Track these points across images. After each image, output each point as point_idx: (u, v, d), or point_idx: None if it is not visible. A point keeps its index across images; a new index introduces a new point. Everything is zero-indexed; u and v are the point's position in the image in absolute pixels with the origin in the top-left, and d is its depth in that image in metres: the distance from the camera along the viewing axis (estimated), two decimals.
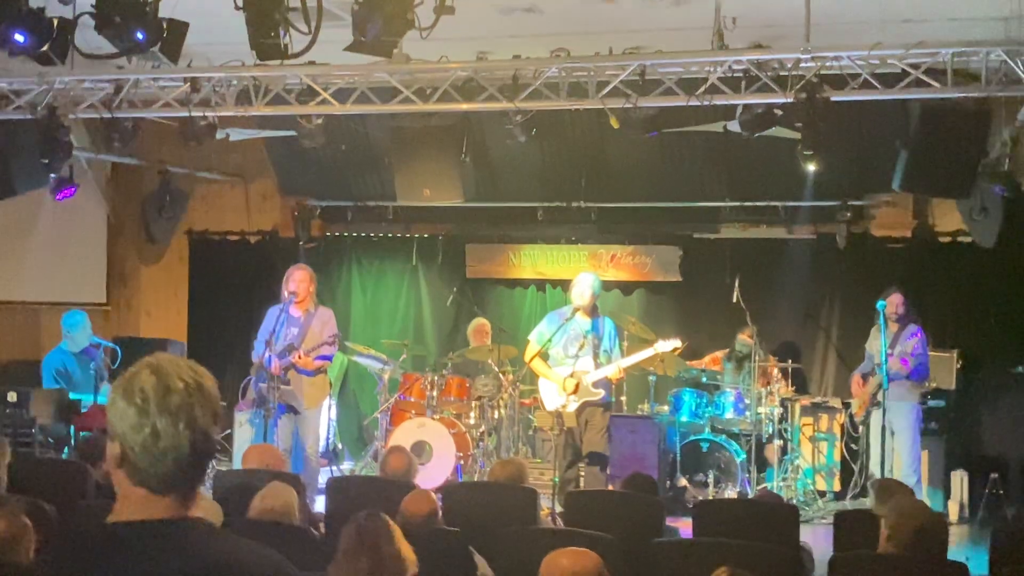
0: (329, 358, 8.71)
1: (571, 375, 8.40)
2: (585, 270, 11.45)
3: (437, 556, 4.82)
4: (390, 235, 12.20)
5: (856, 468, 9.61)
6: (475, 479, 9.29)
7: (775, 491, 9.51)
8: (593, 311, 8.60)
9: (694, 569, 4.77)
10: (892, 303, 8.80)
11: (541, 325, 8.80)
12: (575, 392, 8.39)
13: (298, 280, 8.45)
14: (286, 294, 8.44)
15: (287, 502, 5.22)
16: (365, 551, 4.03)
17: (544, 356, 8.59)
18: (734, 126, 8.21)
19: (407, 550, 4.23)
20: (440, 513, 5.58)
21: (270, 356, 8.25)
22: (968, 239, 9.89)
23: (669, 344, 8.77)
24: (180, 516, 2.03)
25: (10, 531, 4.03)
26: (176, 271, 12.67)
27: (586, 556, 3.93)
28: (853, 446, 9.74)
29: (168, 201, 11.58)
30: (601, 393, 8.46)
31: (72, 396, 9.00)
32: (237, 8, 5.77)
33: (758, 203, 10.85)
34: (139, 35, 5.73)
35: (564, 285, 11.65)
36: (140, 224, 12.05)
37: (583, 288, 8.54)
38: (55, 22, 6.10)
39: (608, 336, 8.59)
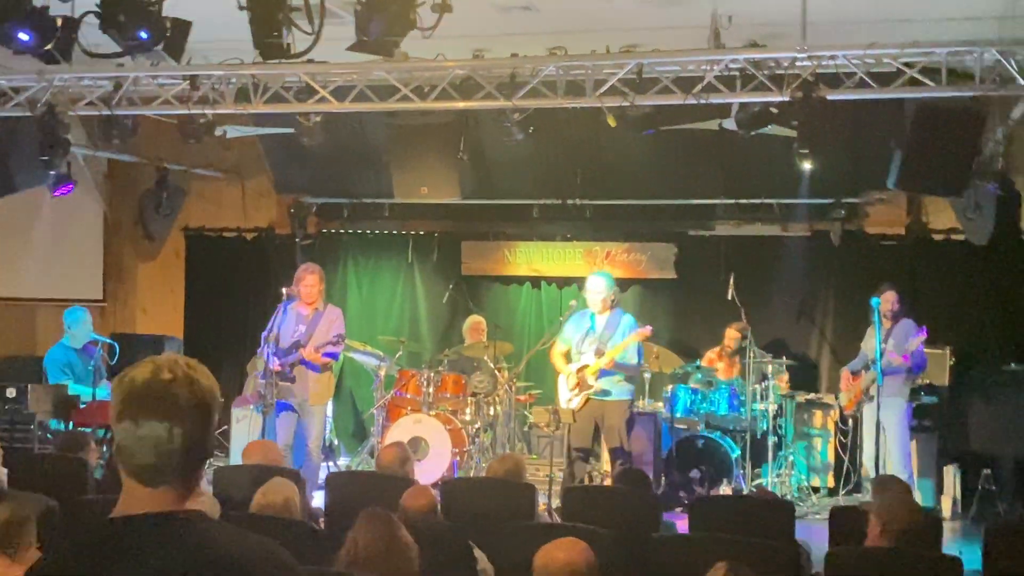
0: (335, 356, 8.85)
1: (576, 370, 8.59)
2: (580, 267, 11.58)
3: (438, 550, 4.86)
4: (386, 232, 12.23)
5: (847, 463, 9.68)
6: (471, 475, 9.33)
7: (769, 487, 9.60)
8: (613, 307, 8.77)
9: (692, 564, 4.81)
10: (886, 300, 8.88)
11: (566, 325, 8.97)
12: (577, 386, 8.56)
13: (309, 285, 8.63)
14: (297, 291, 8.60)
15: (288, 497, 5.27)
16: (381, 540, 4.11)
17: (567, 356, 8.80)
18: (730, 124, 8.27)
19: (412, 541, 4.31)
20: (439, 508, 5.63)
21: (269, 353, 8.34)
22: (961, 237, 9.96)
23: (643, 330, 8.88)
24: (175, 510, 2.04)
25: (14, 519, 4.06)
26: (173, 268, 12.68)
27: (579, 547, 4.05)
28: (843, 439, 9.80)
29: (165, 198, 11.58)
30: (598, 386, 8.53)
31: (71, 391, 9.04)
32: (241, 8, 5.80)
33: (753, 201, 10.91)
34: (143, 34, 5.77)
35: (559, 282, 11.78)
36: (137, 221, 12.05)
37: (592, 294, 8.75)
38: (59, 21, 6.14)
39: (622, 331, 8.63)
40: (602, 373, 8.56)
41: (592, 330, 8.71)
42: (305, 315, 8.66)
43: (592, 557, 4.03)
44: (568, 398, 8.62)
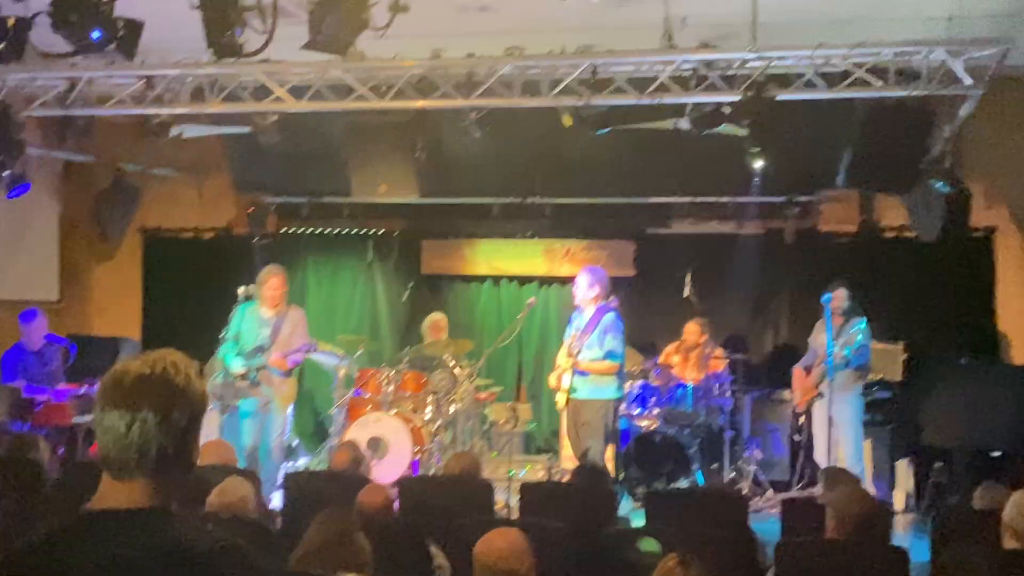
0: (299, 362, 8.99)
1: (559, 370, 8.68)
2: (540, 265, 11.65)
3: (394, 548, 4.90)
4: (346, 231, 12.22)
5: (800, 459, 9.79)
6: (431, 473, 9.35)
7: (725, 482, 9.72)
8: (599, 302, 8.64)
9: (645, 557, 4.89)
10: (837, 297, 8.98)
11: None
12: (557, 386, 8.68)
13: (274, 287, 8.71)
14: (260, 294, 8.68)
15: (243, 496, 5.29)
16: (336, 541, 4.17)
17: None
18: (684, 124, 8.35)
19: (365, 542, 4.36)
20: (395, 505, 5.68)
21: (230, 355, 8.44)
22: (912, 234, 10.11)
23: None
24: (141, 507, 2.08)
25: None
26: (129, 269, 12.60)
27: (515, 535, 4.21)
28: (796, 436, 9.92)
29: (121, 198, 11.51)
30: (569, 385, 8.53)
31: (27, 393, 8.97)
32: (193, 7, 5.80)
33: (708, 199, 11.00)
34: (95, 34, 5.75)
35: (520, 280, 11.84)
36: (93, 221, 11.96)
37: (576, 287, 8.75)
38: (11, 21, 6.11)
39: (601, 328, 8.51)
40: (576, 372, 8.54)
41: (577, 327, 8.68)
42: (268, 318, 8.69)
43: (527, 543, 4.17)
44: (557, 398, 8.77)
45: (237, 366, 8.48)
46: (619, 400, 8.76)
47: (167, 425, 2.08)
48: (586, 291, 8.64)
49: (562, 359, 8.68)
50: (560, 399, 8.69)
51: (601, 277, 8.74)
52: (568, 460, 10.05)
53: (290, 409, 9.17)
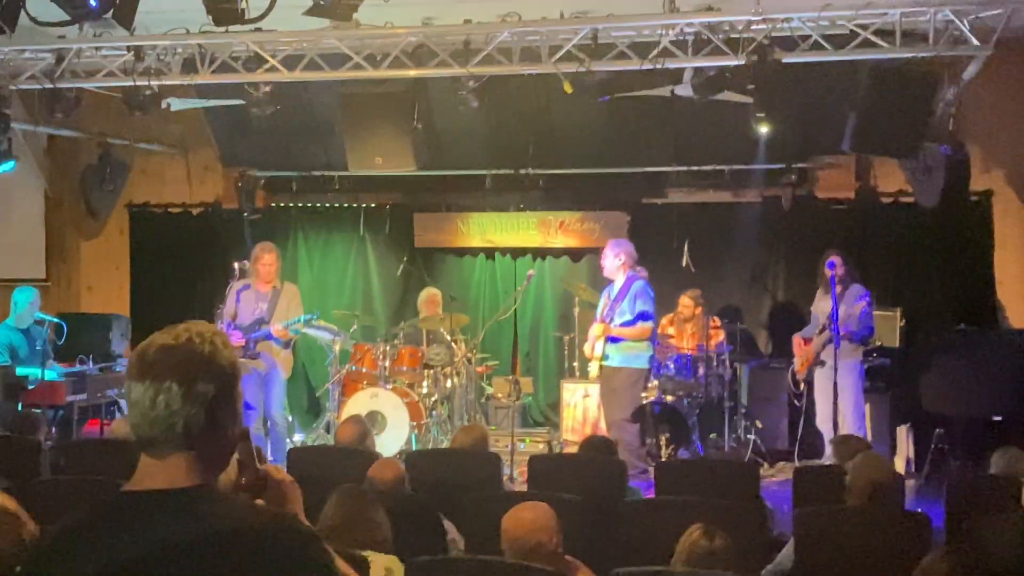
0: (299, 332, 9.15)
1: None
2: (534, 237, 11.55)
3: (407, 522, 4.83)
4: (336, 205, 12.07)
5: (800, 427, 9.75)
6: (429, 448, 9.28)
7: (725, 451, 9.69)
8: (627, 271, 8.75)
9: (662, 527, 4.82)
10: (839, 264, 8.90)
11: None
12: (591, 355, 8.76)
13: (267, 264, 8.83)
14: (254, 270, 8.84)
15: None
16: (356, 519, 4.11)
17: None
18: (681, 90, 8.25)
19: (384, 518, 4.30)
20: (407, 479, 5.59)
21: (228, 328, 8.55)
22: (910, 199, 10.06)
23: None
24: (182, 487, 1.97)
25: None
26: (117, 245, 12.43)
27: (544, 508, 4.22)
28: (796, 403, 9.87)
29: (108, 174, 11.31)
30: (597, 352, 8.64)
31: (19, 372, 8.83)
32: None
33: (704, 168, 10.90)
34: (93, 1, 5.59)
35: (513, 253, 11.73)
36: (79, 197, 11.77)
37: (604, 259, 8.88)
38: None
39: (631, 294, 8.63)
40: (608, 339, 8.65)
41: (608, 296, 8.82)
42: (264, 292, 8.85)
43: (555, 517, 4.14)
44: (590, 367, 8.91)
45: (236, 338, 8.54)
46: (649, 370, 8.94)
47: (193, 396, 1.98)
48: (612, 261, 8.79)
49: (596, 329, 8.72)
50: (593, 368, 8.80)
51: (625, 247, 8.89)
52: (569, 432, 10.01)
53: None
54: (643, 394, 9.08)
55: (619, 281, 8.75)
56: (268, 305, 8.80)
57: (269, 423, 8.99)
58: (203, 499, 1.98)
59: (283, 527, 1.99)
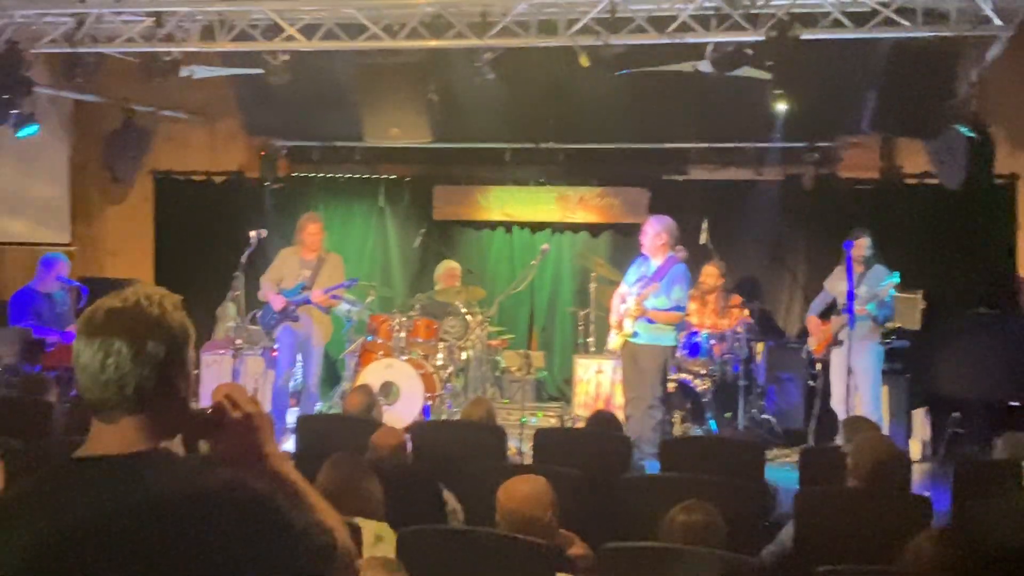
0: (340, 298, 9.61)
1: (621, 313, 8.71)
2: (553, 212, 11.52)
3: (407, 492, 4.85)
4: (357, 176, 12.09)
5: (816, 407, 9.69)
6: (443, 419, 9.31)
7: (739, 430, 9.65)
8: (668, 251, 8.64)
9: (662, 503, 4.81)
10: (859, 246, 8.80)
11: (631, 267, 8.96)
12: (619, 328, 8.69)
13: (313, 233, 9.33)
14: (301, 239, 9.34)
15: None
16: (346, 486, 4.13)
17: (623, 297, 8.79)
18: (704, 66, 8.17)
19: (377, 485, 4.32)
20: (408, 447, 5.62)
21: (271, 291, 9.13)
22: (934, 181, 9.92)
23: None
24: (134, 451, 1.96)
25: None
26: (141, 211, 12.50)
27: (539, 482, 4.23)
28: (811, 383, 9.81)
29: (132, 140, 11.38)
30: (631, 329, 8.57)
31: (37, 335, 8.92)
32: None
33: (726, 145, 10.82)
34: None
35: (532, 227, 11.71)
36: (103, 163, 11.85)
37: (644, 235, 8.75)
38: None
39: (670, 278, 8.55)
40: (640, 318, 8.58)
41: (647, 275, 8.68)
42: (309, 260, 9.29)
43: (551, 491, 4.14)
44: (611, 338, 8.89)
45: (280, 302, 9.04)
46: (675, 348, 8.96)
47: (143, 357, 1.96)
48: (653, 239, 8.66)
49: (632, 306, 8.57)
50: (615, 341, 8.76)
51: (668, 225, 8.73)
52: (581, 408, 10.01)
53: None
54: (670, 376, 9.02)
55: (656, 260, 8.63)
56: (311, 272, 9.20)
57: (305, 392, 9.43)
58: (154, 464, 1.96)
59: (235, 488, 1.96)
